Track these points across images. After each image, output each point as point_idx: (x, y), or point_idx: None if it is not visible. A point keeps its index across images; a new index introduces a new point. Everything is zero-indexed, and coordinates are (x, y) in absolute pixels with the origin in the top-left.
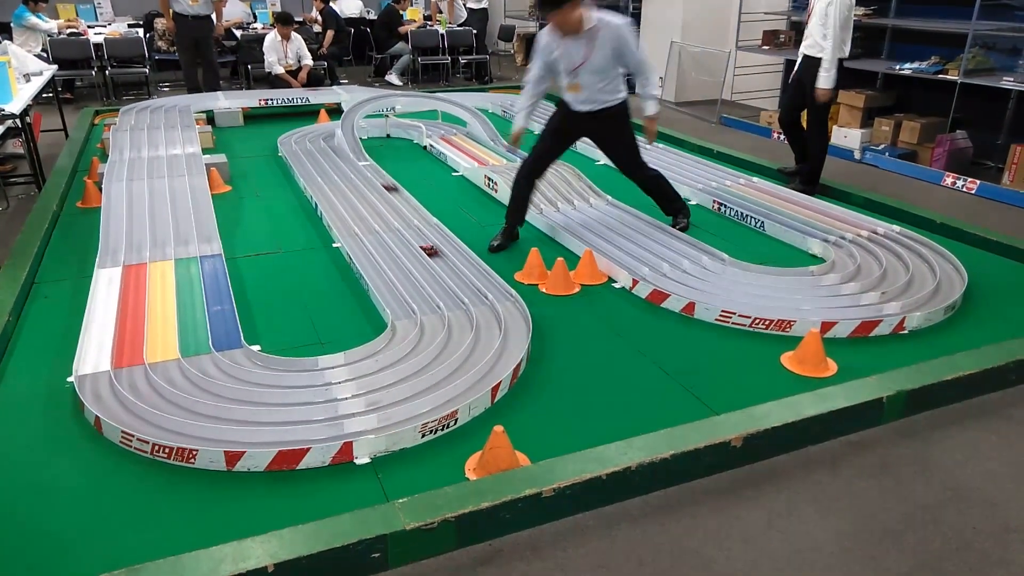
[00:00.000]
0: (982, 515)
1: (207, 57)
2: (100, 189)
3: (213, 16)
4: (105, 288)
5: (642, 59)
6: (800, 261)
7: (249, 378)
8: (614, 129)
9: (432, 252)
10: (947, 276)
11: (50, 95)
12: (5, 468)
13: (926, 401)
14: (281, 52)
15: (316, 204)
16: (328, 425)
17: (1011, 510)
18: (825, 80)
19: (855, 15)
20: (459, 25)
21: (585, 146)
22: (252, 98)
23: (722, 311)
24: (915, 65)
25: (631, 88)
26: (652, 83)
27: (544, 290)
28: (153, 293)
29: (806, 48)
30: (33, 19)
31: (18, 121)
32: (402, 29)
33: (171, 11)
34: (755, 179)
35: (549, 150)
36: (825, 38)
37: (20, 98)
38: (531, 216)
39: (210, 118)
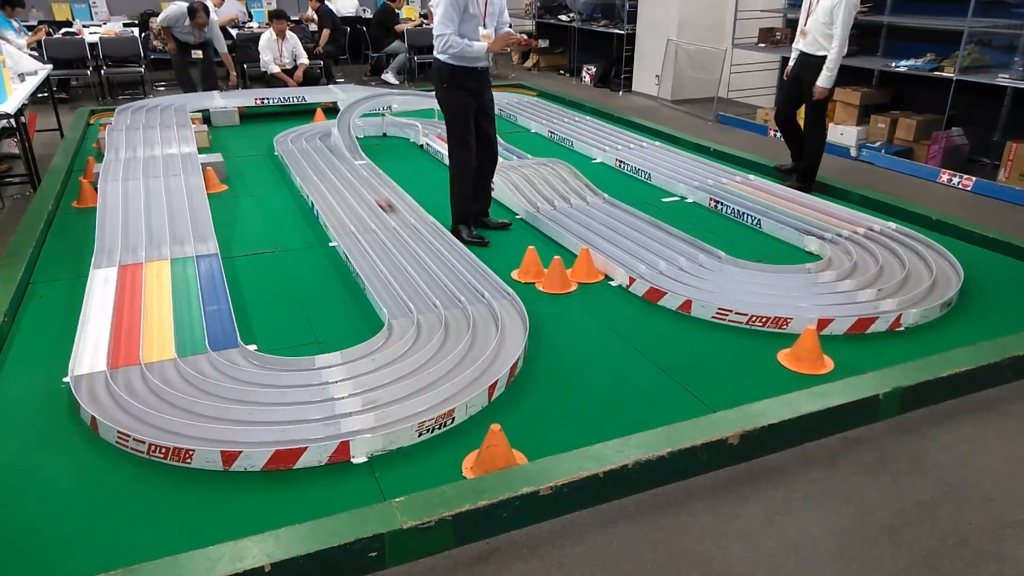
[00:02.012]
0: (978, 511)
1: (204, 64)
2: (96, 189)
3: (214, 40)
4: (101, 288)
5: None
6: (796, 258)
7: (245, 378)
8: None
9: (388, 207)
10: (943, 273)
11: (45, 95)
12: (1, 469)
13: (922, 398)
14: (277, 51)
15: (312, 203)
16: (325, 424)
17: (1007, 505)
18: (826, 79)
19: None
20: None
21: (582, 144)
22: (248, 97)
23: (719, 309)
24: (911, 62)
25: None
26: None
27: (541, 288)
28: (149, 293)
29: (804, 46)
30: (7, 32)
31: (13, 121)
32: (398, 28)
33: (173, 37)
34: (752, 177)
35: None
36: (828, 37)
37: (15, 98)
38: (528, 214)
39: (206, 117)
